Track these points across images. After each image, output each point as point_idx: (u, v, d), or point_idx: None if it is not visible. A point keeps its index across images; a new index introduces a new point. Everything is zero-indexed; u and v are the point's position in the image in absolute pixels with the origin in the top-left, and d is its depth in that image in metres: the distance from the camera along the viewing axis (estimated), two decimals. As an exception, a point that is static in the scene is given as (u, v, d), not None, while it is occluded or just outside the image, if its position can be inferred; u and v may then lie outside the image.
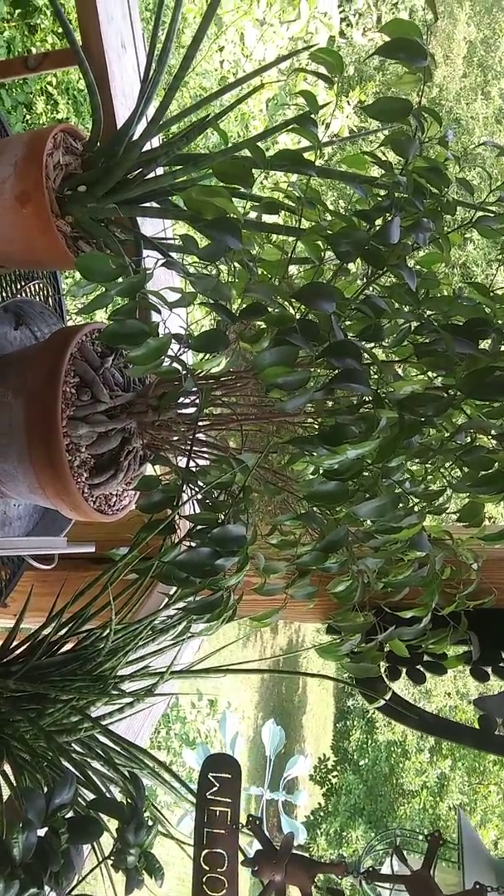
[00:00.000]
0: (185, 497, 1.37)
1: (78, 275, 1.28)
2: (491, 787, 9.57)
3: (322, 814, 10.16)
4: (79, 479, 1.52)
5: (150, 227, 1.86)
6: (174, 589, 1.47)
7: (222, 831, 1.17)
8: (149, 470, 1.70)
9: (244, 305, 1.28)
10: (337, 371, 1.12)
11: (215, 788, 1.18)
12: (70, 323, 1.97)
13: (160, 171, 1.68)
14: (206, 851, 1.17)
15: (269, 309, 1.24)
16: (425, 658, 1.74)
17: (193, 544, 1.30)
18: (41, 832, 0.99)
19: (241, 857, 1.19)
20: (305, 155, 1.39)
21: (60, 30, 3.83)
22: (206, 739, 5.95)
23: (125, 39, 1.98)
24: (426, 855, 1.21)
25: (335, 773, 10.61)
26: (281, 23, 4.56)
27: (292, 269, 1.56)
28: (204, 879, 1.16)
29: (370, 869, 1.20)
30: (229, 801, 1.17)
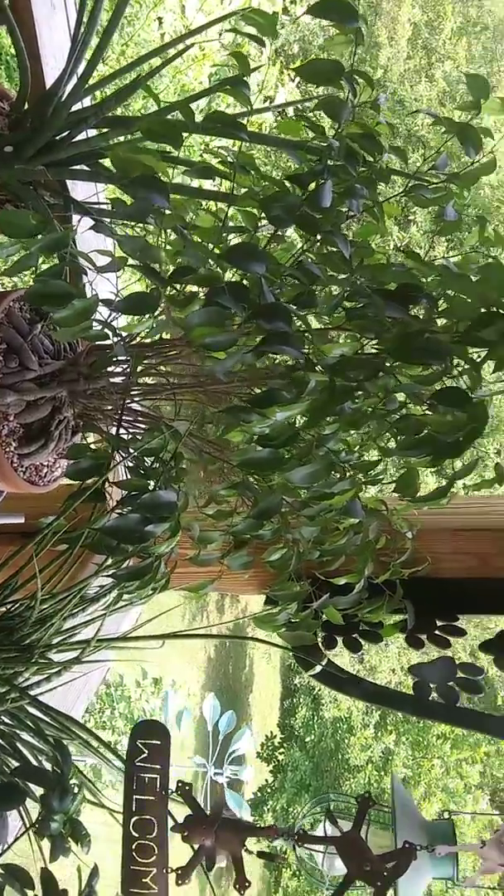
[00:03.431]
0: (115, 464, 1.34)
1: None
2: (434, 760, 9.77)
3: (269, 790, 10.27)
4: (7, 449, 1.48)
5: (83, 193, 1.82)
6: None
7: (152, 798, 1.16)
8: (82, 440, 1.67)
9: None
10: (266, 334, 1.11)
11: (144, 755, 1.17)
12: None
13: (92, 133, 1.64)
14: (135, 818, 1.16)
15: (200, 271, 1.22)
16: (362, 627, 1.76)
17: (123, 512, 1.28)
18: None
19: (171, 823, 1.18)
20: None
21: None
22: (158, 712, 5.94)
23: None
24: (356, 816, 1.22)
25: (282, 750, 10.71)
26: (222, -2, 4.50)
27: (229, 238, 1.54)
28: (134, 846, 1.15)
29: (301, 831, 1.21)
30: (158, 767, 1.16)
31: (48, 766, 1.26)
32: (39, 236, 1.11)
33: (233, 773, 5.89)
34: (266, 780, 10.42)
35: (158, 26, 4.05)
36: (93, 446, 1.62)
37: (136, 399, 1.56)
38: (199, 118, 1.42)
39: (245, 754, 6.22)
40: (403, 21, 10.48)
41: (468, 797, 9.51)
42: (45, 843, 1.12)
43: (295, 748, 10.38)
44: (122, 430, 1.50)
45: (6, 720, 1.23)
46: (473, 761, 9.74)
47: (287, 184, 1.38)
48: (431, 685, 1.68)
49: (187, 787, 1.21)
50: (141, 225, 1.45)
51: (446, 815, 1.48)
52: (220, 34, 4.21)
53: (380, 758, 9.80)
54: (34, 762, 1.22)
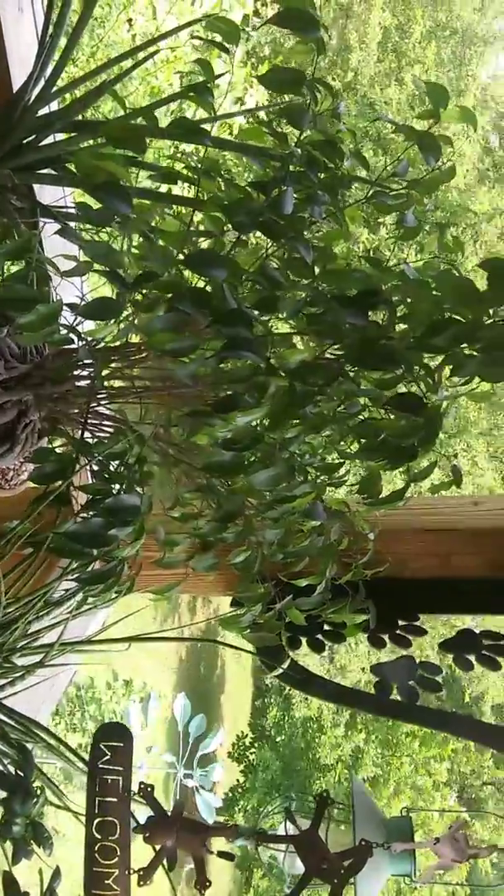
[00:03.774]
0: (79, 468, 1.35)
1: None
2: (404, 758, 9.84)
3: (240, 790, 10.28)
4: (-28, 453, 1.48)
5: (49, 197, 1.82)
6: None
7: (114, 799, 1.17)
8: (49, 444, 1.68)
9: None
10: (227, 339, 1.13)
11: (107, 757, 1.18)
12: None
13: (60, 137, 1.64)
14: (98, 820, 1.17)
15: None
16: (325, 627, 1.78)
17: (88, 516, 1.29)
18: None
19: (133, 825, 1.19)
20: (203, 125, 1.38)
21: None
22: (122, 721, 5.93)
23: (23, 3, 1.92)
24: (314, 815, 1.24)
25: (253, 749, 10.73)
26: (193, 1, 4.50)
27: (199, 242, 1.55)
28: (97, 848, 1.16)
29: (259, 831, 1.23)
30: (121, 769, 1.17)
31: (12, 769, 1.27)
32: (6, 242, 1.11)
33: (202, 775, 5.90)
34: (237, 780, 10.44)
35: (129, 28, 4.04)
36: (60, 450, 1.63)
37: (102, 402, 1.56)
38: (168, 122, 1.43)
39: (215, 752, 6.23)
40: (374, 24, 10.54)
41: (436, 794, 9.60)
42: (9, 846, 1.12)
43: (266, 748, 10.40)
44: (87, 434, 1.50)
45: (-31, 723, 1.24)
46: (441, 759, 9.84)
47: (251, 190, 1.40)
48: (393, 684, 1.71)
49: (149, 789, 1.22)
50: (108, 229, 1.46)
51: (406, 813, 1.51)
52: (191, 36, 4.21)
53: (350, 756, 9.85)
54: (-3, 765, 1.22)
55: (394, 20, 10.78)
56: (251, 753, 10.72)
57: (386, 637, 1.76)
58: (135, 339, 1.57)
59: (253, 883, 9.97)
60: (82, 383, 1.55)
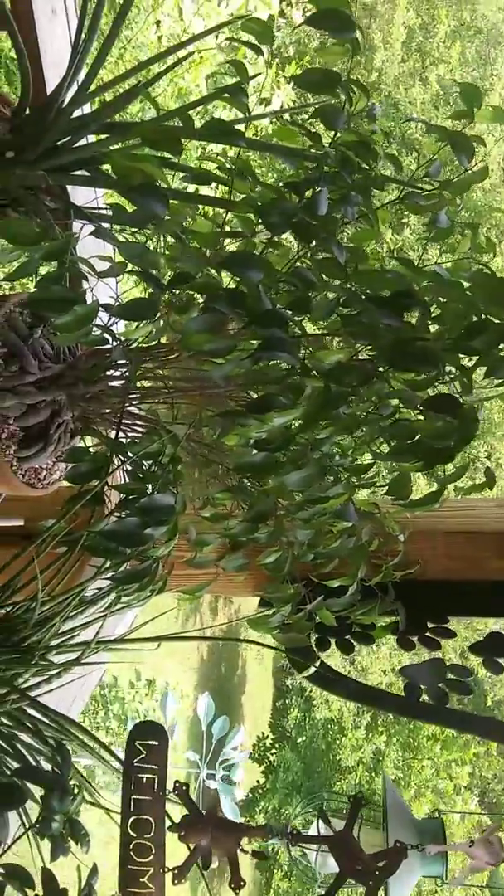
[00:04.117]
0: (114, 468, 1.36)
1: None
2: (425, 761, 9.78)
3: (261, 791, 10.27)
4: (7, 452, 1.50)
5: (82, 198, 1.84)
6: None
7: (149, 798, 1.17)
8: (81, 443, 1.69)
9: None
10: (263, 340, 1.13)
11: (142, 756, 1.19)
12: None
13: (92, 138, 1.66)
14: (133, 818, 1.17)
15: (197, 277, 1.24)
16: (354, 629, 1.78)
17: (122, 515, 1.30)
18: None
19: (167, 823, 1.20)
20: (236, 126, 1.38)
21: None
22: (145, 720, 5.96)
23: (56, 5, 1.94)
24: (348, 816, 1.24)
25: (273, 750, 10.72)
26: (219, 2, 4.51)
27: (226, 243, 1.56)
28: (131, 846, 1.17)
29: (293, 831, 1.23)
30: (156, 767, 1.18)
31: (47, 766, 1.28)
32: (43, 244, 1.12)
33: (224, 777, 5.91)
34: (258, 781, 10.43)
35: (156, 29, 4.06)
36: (91, 449, 1.64)
37: (134, 402, 1.57)
38: (197, 123, 1.44)
39: (237, 760, 6.25)
40: (398, 24, 10.50)
41: (458, 798, 9.54)
42: (45, 844, 1.13)
43: (286, 749, 10.38)
44: (120, 434, 1.51)
45: (6, 721, 1.25)
46: (463, 762, 9.76)
47: (284, 190, 1.40)
48: (422, 686, 1.70)
49: (184, 787, 1.22)
50: (139, 230, 1.47)
51: (436, 815, 1.50)
52: (217, 37, 4.22)
53: (371, 759, 9.81)
54: (33, 763, 1.23)
55: (418, 20, 10.73)
56: (272, 754, 10.71)
57: (415, 639, 1.76)
58: (164, 339, 1.58)
59: (273, 884, 9.97)
60: (115, 383, 1.56)
